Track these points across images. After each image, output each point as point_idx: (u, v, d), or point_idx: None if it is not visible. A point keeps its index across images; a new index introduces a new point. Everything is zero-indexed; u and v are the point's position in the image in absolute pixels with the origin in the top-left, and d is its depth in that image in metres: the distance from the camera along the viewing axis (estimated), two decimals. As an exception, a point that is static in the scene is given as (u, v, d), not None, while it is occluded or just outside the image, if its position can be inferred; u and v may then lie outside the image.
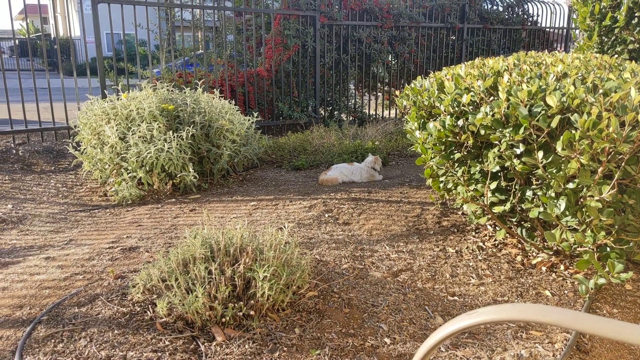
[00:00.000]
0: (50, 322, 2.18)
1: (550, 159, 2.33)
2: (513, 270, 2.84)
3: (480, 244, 3.19)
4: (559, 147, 2.20)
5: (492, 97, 2.64)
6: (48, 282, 2.59)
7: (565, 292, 2.61)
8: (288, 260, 2.34)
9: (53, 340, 2.04)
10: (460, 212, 3.75)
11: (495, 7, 9.52)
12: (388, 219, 3.60)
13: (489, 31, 9.39)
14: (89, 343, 2.02)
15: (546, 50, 4.03)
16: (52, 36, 22.57)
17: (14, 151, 5.70)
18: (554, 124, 2.23)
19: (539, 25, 10.07)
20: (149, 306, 2.28)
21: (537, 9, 9.90)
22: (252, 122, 5.18)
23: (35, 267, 2.81)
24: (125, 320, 2.18)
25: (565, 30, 10.36)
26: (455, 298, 2.53)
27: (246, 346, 2.02)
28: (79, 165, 5.42)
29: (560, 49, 10.56)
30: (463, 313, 2.39)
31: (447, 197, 3.31)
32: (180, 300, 2.15)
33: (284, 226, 2.51)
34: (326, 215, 3.66)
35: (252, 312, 2.17)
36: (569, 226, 2.38)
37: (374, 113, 8.80)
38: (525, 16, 9.84)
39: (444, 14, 8.78)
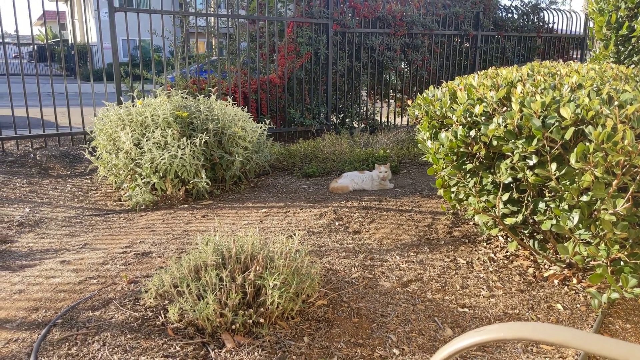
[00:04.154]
0: (65, 325, 2.22)
1: (563, 171, 2.31)
2: (524, 282, 2.82)
3: (492, 255, 3.17)
4: (572, 159, 2.19)
5: (505, 108, 2.63)
6: (63, 285, 2.63)
7: (578, 305, 2.59)
8: (298, 268, 2.35)
9: (67, 343, 2.08)
10: (471, 223, 3.73)
11: (510, 15, 9.48)
12: (398, 228, 3.60)
13: (504, 39, 9.35)
14: (102, 347, 2.05)
15: (561, 60, 4.00)
16: (70, 42, 22.98)
17: (32, 155, 5.81)
18: (567, 136, 2.22)
19: (555, 32, 10.00)
20: (161, 311, 2.31)
21: (553, 16, 9.84)
22: (264, 130, 5.22)
23: (51, 271, 2.86)
24: (138, 325, 2.21)
25: (581, 38, 10.28)
26: (465, 310, 2.52)
27: (255, 354, 2.03)
28: (95, 170, 5.50)
29: (577, 56, 10.48)
30: (472, 325, 2.38)
31: (459, 207, 3.30)
32: (191, 307, 2.17)
33: (294, 234, 2.52)
34: (336, 223, 3.67)
35: (261, 320, 2.18)
36: (582, 239, 2.36)
37: (385, 120, 8.80)
38: (541, 23, 9.77)
39: (457, 22, 8.77)
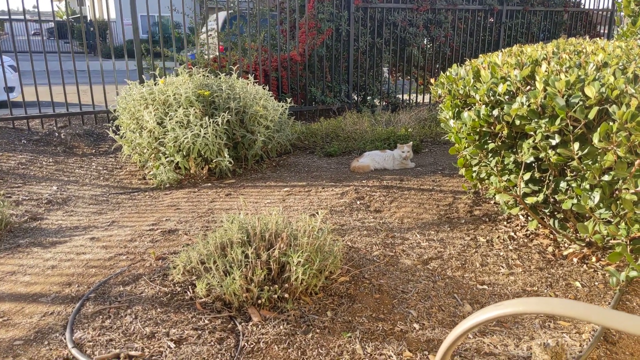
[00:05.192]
0: (98, 299, 2.33)
1: (586, 150, 2.30)
2: (544, 260, 2.84)
3: (512, 233, 3.19)
4: (595, 138, 2.18)
5: (528, 87, 2.61)
6: (94, 261, 2.75)
7: (596, 283, 2.60)
8: (321, 246, 2.41)
9: (101, 317, 2.19)
10: (492, 202, 3.74)
11: (536, -12, 9.20)
12: (419, 207, 3.63)
13: (529, 13, 9.10)
14: (134, 320, 2.16)
15: (587, 37, 3.90)
16: (89, 18, 22.97)
17: (57, 134, 5.95)
18: (591, 115, 2.20)
19: (582, 7, 9.69)
20: (189, 287, 2.41)
21: (580, -11, 9.54)
22: (286, 109, 5.25)
23: (81, 247, 2.98)
24: (167, 299, 2.31)
25: (609, 12, 9.95)
26: (485, 287, 2.56)
27: (281, 327, 2.11)
28: (119, 148, 5.62)
29: (604, 31, 10.16)
30: (491, 302, 2.42)
31: (480, 187, 3.31)
32: (218, 282, 2.25)
33: (317, 213, 2.58)
34: (358, 202, 3.71)
35: (286, 295, 2.26)
36: (603, 218, 2.37)
37: (407, 98, 8.73)
38: (568, -3, 9.48)
39: (482, -4, 8.57)
